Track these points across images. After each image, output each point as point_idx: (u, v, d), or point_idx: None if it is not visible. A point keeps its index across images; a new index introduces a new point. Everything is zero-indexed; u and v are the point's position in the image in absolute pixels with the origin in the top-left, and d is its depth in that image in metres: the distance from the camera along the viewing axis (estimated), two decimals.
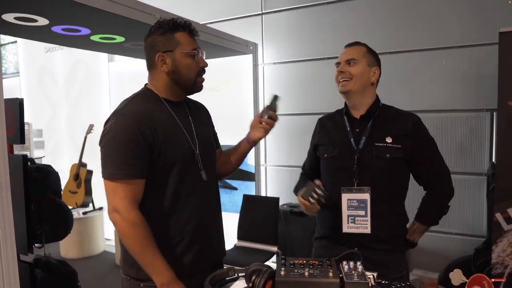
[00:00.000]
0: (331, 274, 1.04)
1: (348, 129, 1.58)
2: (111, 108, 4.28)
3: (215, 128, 1.58)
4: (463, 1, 2.79)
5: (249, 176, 3.61)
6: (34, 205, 2.25)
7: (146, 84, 1.40)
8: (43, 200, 2.44)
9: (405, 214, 1.61)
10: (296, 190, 1.71)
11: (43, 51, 4.92)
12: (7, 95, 1.29)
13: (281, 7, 3.50)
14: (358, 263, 1.10)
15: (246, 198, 3.24)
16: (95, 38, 2.69)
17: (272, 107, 1.45)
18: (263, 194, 3.66)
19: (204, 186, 1.37)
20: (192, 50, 1.32)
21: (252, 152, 3.79)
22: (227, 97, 3.55)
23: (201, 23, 3.07)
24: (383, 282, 1.18)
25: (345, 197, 1.51)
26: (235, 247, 3.08)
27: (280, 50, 3.54)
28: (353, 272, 1.06)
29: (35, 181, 2.35)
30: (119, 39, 2.74)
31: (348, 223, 1.51)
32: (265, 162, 3.68)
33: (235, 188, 3.67)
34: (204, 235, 1.36)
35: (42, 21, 2.23)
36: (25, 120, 2.47)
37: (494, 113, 2.66)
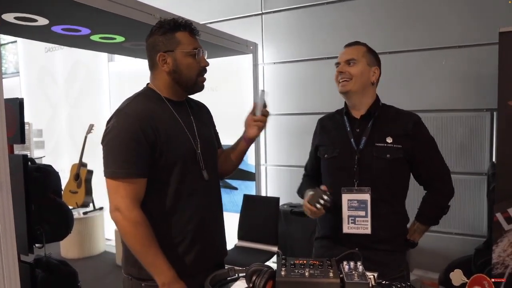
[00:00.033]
0: (331, 274, 1.04)
1: (348, 129, 1.58)
2: (111, 108, 4.30)
3: (216, 128, 1.58)
4: (463, 1, 2.79)
5: (249, 176, 3.61)
6: (34, 205, 2.25)
7: (148, 84, 1.40)
8: (44, 200, 2.44)
9: (405, 214, 1.61)
10: (299, 192, 1.71)
11: (43, 51, 4.92)
12: (7, 95, 1.29)
13: (281, 7, 3.50)
14: (359, 263, 1.10)
15: (247, 198, 3.24)
16: (95, 38, 2.69)
17: (263, 103, 1.46)
18: (263, 194, 3.66)
19: (206, 185, 1.37)
20: (193, 50, 1.33)
21: (252, 151, 3.77)
22: (227, 97, 3.55)
23: (201, 23, 3.07)
24: (384, 282, 1.18)
25: (345, 197, 1.51)
26: (236, 247, 3.08)
27: (280, 50, 3.55)
28: (353, 272, 1.06)
29: (36, 181, 2.35)
30: (119, 39, 2.74)
31: (348, 223, 1.51)
32: (265, 162, 3.68)
33: (235, 188, 3.67)
34: (205, 234, 1.36)
35: (42, 21, 2.23)
36: (25, 120, 2.46)
37: (494, 113, 2.66)
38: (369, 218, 1.49)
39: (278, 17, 3.54)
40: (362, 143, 1.53)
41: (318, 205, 1.40)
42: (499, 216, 2.08)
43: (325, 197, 1.40)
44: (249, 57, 3.55)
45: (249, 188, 3.62)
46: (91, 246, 4.16)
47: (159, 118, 1.29)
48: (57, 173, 2.62)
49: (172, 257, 1.24)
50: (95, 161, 3.40)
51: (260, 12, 3.60)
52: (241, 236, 3.12)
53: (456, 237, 2.89)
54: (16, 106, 2.05)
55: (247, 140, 1.50)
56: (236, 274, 1.23)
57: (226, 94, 3.56)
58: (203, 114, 1.51)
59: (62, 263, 2.66)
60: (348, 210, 1.51)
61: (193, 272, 1.30)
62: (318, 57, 3.35)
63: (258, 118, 1.46)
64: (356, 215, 1.50)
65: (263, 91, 1.50)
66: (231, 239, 2.83)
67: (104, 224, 4.31)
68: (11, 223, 1.23)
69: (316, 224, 1.70)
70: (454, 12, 2.82)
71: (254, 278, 1.07)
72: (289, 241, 3.14)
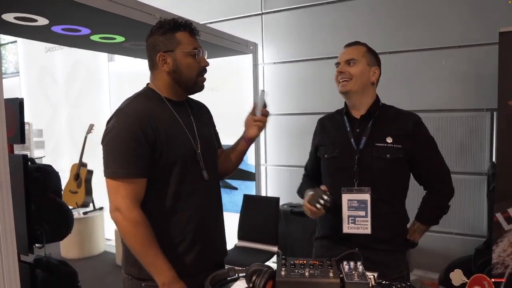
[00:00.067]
0: (331, 274, 1.04)
1: (348, 129, 1.58)
2: (111, 108, 4.30)
3: (216, 128, 1.58)
4: (463, 1, 2.79)
5: (249, 176, 3.61)
6: (34, 205, 2.24)
7: (148, 84, 1.40)
8: (44, 200, 2.44)
9: (405, 214, 1.61)
10: (299, 192, 1.71)
11: (43, 51, 4.92)
12: (7, 95, 1.29)
13: (281, 7, 3.50)
14: (359, 263, 1.10)
15: (247, 198, 3.24)
16: (95, 38, 2.69)
17: (263, 103, 1.47)
18: (263, 194, 3.66)
19: (206, 185, 1.37)
20: (193, 50, 1.33)
21: (252, 152, 3.77)
22: (227, 97, 3.55)
23: (201, 23, 3.07)
24: (384, 282, 1.18)
25: (345, 197, 1.51)
26: (236, 247, 3.08)
27: (280, 50, 3.55)
28: (353, 272, 1.06)
29: (36, 181, 2.35)
30: (119, 39, 2.74)
31: (348, 223, 1.51)
32: (265, 162, 3.68)
33: (235, 188, 3.67)
34: (205, 234, 1.36)
35: (42, 21, 2.23)
36: (25, 120, 2.46)
37: (494, 113, 2.66)
38: (369, 218, 1.49)
39: (278, 17, 3.54)
40: (362, 143, 1.53)
41: (318, 205, 1.40)
42: (499, 216, 2.08)
43: (325, 197, 1.40)
44: (249, 57, 3.55)
45: (249, 188, 3.62)
46: (91, 246, 4.16)
47: (159, 118, 1.29)
48: (57, 173, 2.62)
49: (172, 257, 1.24)
50: (95, 161, 3.40)
51: (260, 12, 3.60)
52: (241, 236, 3.12)
53: (456, 237, 2.89)
54: (16, 106, 2.05)
55: (247, 140, 1.50)
56: (236, 274, 1.23)
57: (226, 94, 3.56)
58: (203, 114, 1.51)
59: (62, 263, 2.66)
60: (348, 210, 1.51)
61: (193, 272, 1.30)
62: (318, 57, 3.35)
63: (258, 118, 1.46)
64: (356, 215, 1.50)
65: (263, 91, 1.50)
66: (231, 239, 2.83)
67: (104, 224, 4.31)
68: (11, 223, 1.23)
69: (316, 224, 1.70)
70: (454, 12, 2.82)
71: (254, 278, 1.07)
72: (289, 241, 3.14)
